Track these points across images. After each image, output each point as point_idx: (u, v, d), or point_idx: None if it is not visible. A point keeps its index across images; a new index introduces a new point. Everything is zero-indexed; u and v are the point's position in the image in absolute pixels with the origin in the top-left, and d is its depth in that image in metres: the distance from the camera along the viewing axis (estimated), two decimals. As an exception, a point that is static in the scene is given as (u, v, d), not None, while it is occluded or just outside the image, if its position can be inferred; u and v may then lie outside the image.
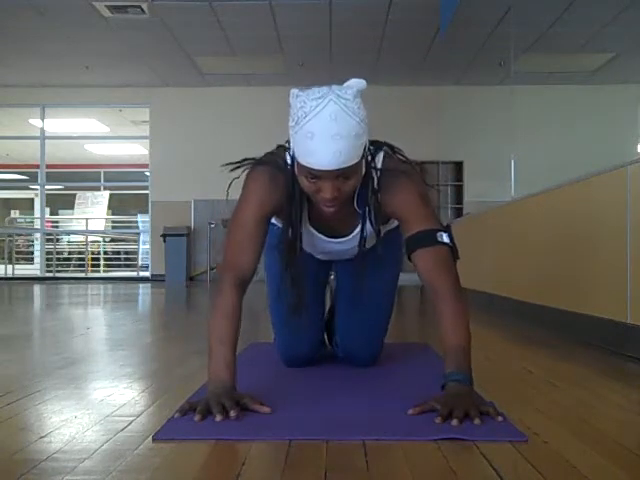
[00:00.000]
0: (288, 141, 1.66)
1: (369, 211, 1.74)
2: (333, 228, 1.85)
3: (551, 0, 6.85)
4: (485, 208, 5.58)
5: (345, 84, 1.58)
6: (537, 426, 1.41)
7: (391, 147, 1.80)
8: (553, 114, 9.86)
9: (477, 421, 1.39)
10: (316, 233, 1.88)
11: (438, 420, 1.40)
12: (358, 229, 1.82)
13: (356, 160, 1.54)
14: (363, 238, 1.79)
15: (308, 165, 1.53)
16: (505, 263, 4.52)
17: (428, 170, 10.14)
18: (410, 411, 1.47)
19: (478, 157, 9.90)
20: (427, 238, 1.67)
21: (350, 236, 1.86)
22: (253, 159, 1.79)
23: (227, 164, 1.76)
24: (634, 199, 2.49)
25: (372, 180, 1.70)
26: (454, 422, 1.38)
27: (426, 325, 3.93)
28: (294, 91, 1.56)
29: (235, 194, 1.80)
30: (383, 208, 1.72)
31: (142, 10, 7.09)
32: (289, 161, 1.68)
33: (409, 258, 1.72)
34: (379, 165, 1.73)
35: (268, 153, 1.79)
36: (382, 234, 1.78)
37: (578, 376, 2.12)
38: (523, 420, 1.44)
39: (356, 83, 1.57)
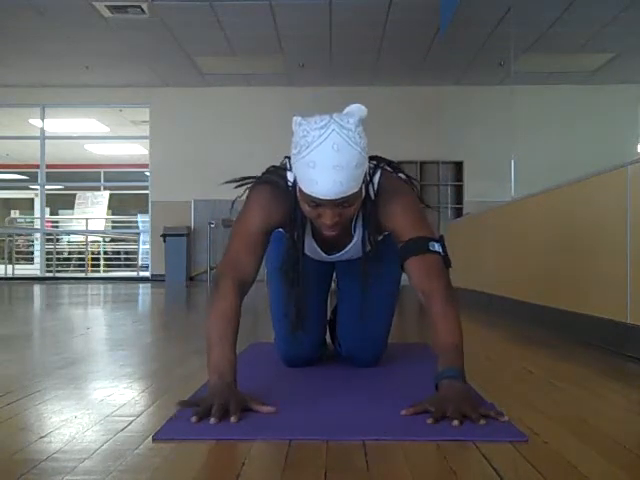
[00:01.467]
0: (288, 157, 1.70)
1: (368, 230, 1.79)
2: (330, 243, 1.90)
3: (551, 0, 6.85)
4: (485, 208, 5.58)
5: (346, 110, 1.60)
6: (537, 426, 1.41)
7: (389, 163, 1.84)
8: (553, 114, 9.86)
9: (482, 421, 1.39)
10: (317, 248, 1.94)
11: (429, 422, 1.39)
12: (353, 242, 1.89)
13: (356, 189, 1.59)
14: (365, 255, 1.82)
15: (310, 194, 1.57)
16: (505, 263, 4.52)
17: (428, 170, 10.14)
18: (403, 412, 1.47)
19: (478, 157, 9.89)
20: (418, 246, 1.70)
21: (345, 249, 1.93)
22: (254, 177, 1.83)
23: (228, 182, 1.81)
24: (634, 199, 2.49)
25: (369, 198, 1.74)
26: (455, 423, 1.38)
27: (426, 325, 3.93)
28: (297, 119, 1.58)
29: (232, 196, 1.82)
30: (379, 221, 1.77)
31: (142, 10, 7.09)
32: (290, 181, 1.72)
33: (402, 267, 1.75)
34: (376, 183, 1.77)
35: (268, 171, 1.82)
36: (379, 239, 1.84)
37: (578, 376, 2.12)
38: (523, 420, 1.45)
39: (357, 110, 1.58)
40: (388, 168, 1.83)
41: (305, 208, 1.65)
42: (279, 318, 2.12)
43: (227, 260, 1.72)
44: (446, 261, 1.71)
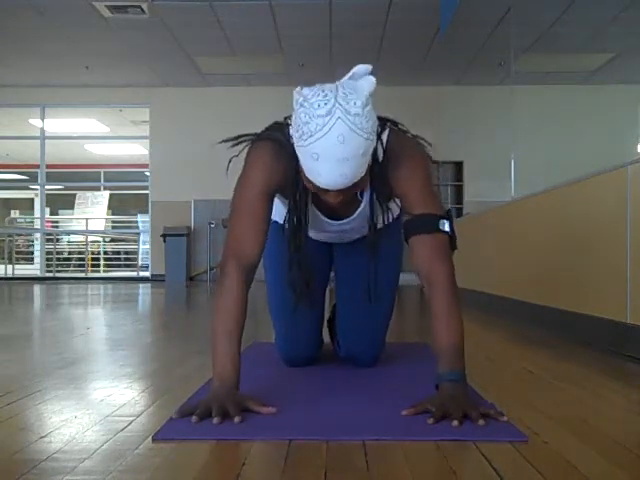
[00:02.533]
0: (288, 118, 1.61)
1: (376, 194, 1.69)
2: (335, 210, 1.79)
3: (551, 0, 6.85)
4: (485, 208, 5.58)
5: (351, 73, 1.48)
6: (537, 426, 1.41)
7: (395, 124, 1.74)
8: (553, 114, 9.86)
9: (481, 422, 1.38)
10: (319, 215, 1.84)
11: (430, 421, 1.39)
12: (360, 209, 1.79)
13: (362, 175, 1.51)
14: (373, 224, 1.73)
15: (313, 182, 1.51)
16: (505, 263, 4.52)
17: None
18: (404, 412, 1.47)
19: (478, 157, 9.90)
20: (428, 224, 1.64)
21: (353, 216, 1.84)
22: (253, 135, 1.74)
23: (225, 140, 1.71)
24: (634, 199, 2.49)
25: (377, 160, 1.63)
26: (454, 423, 1.37)
27: (426, 325, 3.93)
28: (297, 97, 1.46)
29: (233, 178, 1.74)
30: (388, 184, 1.67)
31: (142, 10, 7.09)
32: (292, 137, 1.57)
33: (406, 240, 1.69)
34: (385, 142, 1.66)
35: (268, 128, 1.73)
36: (388, 205, 1.73)
37: (578, 376, 2.12)
38: (523, 420, 1.44)
39: (365, 81, 1.46)
40: (394, 127, 1.72)
41: (308, 184, 1.57)
42: (277, 315, 2.11)
43: (230, 242, 1.64)
44: (453, 241, 1.66)
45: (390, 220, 1.77)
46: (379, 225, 1.78)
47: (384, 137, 1.67)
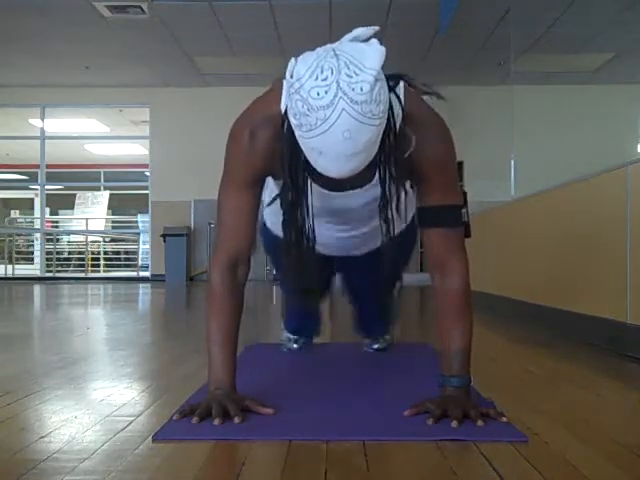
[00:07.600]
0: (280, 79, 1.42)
1: (388, 156, 1.35)
2: (341, 182, 1.39)
3: (551, 0, 6.85)
4: (485, 208, 5.58)
5: (352, 37, 1.26)
6: (537, 426, 1.40)
7: (408, 81, 1.46)
8: (553, 114, 9.86)
9: (480, 423, 1.38)
10: (318, 187, 1.55)
11: (430, 421, 1.39)
12: (374, 181, 1.47)
13: (373, 157, 1.30)
14: (387, 191, 1.39)
15: (318, 170, 1.32)
16: (505, 263, 4.51)
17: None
18: (406, 412, 1.46)
19: (478, 157, 9.89)
20: (451, 218, 1.55)
21: (363, 188, 1.57)
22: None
23: None
24: (634, 199, 2.49)
25: (391, 129, 1.32)
26: (453, 423, 1.37)
27: (426, 325, 3.93)
28: (290, 80, 1.24)
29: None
30: (407, 158, 1.39)
31: (142, 10, 7.09)
32: (282, 109, 1.39)
33: (420, 226, 1.59)
34: (403, 105, 1.39)
35: (255, 103, 1.55)
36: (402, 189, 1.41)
37: (578, 376, 2.12)
38: (523, 420, 1.44)
39: (372, 51, 1.21)
40: (407, 85, 1.45)
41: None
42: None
43: (218, 244, 1.56)
44: (467, 229, 1.61)
45: (403, 223, 1.60)
46: (397, 227, 1.49)
47: (400, 98, 1.39)
